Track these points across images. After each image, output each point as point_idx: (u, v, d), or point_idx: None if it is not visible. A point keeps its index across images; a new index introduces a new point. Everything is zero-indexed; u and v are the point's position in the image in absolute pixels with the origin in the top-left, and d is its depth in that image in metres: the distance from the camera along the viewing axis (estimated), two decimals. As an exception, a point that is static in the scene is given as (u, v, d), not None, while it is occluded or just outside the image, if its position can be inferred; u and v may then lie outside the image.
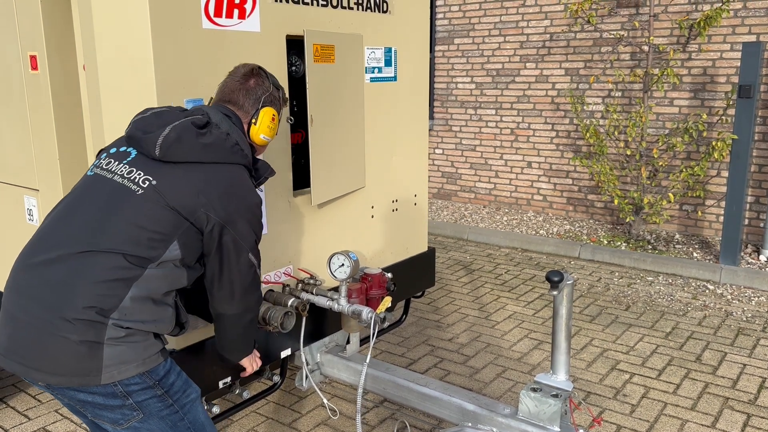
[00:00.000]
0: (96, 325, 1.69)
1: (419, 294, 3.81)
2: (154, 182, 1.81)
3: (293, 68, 2.85)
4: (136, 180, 1.82)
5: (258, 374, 3.21)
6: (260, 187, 2.25)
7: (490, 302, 4.97)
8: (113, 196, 1.80)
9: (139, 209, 1.78)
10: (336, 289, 2.82)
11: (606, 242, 6.29)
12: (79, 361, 1.69)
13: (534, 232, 6.74)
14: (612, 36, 6.68)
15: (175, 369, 1.89)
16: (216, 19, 2.35)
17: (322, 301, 2.74)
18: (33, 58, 2.50)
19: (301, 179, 2.92)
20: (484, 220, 7.24)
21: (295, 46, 2.77)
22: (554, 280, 2.41)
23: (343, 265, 2.70)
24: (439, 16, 7.90)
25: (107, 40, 2.20)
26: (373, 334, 2.61)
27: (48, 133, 2.53)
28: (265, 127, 2.09)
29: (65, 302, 1.69)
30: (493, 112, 7.67)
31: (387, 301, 2.66)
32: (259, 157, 2.22)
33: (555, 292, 2.47)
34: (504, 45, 7.46)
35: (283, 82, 2.70)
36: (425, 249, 3.72)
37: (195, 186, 1.83)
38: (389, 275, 3.01)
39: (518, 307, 4.85)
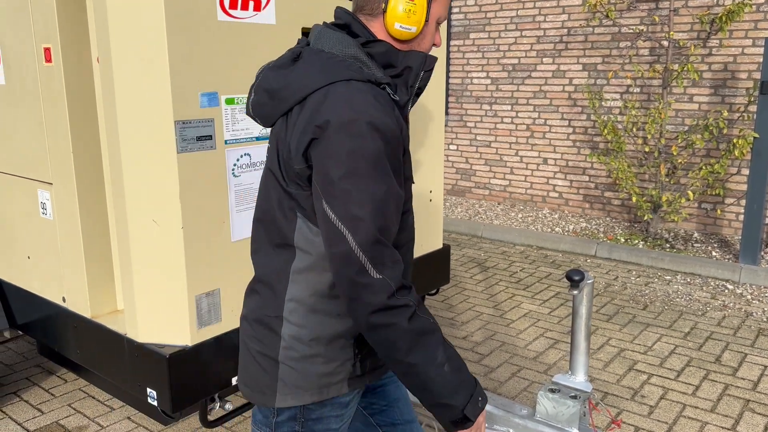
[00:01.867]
0: (270, 336, 1.53)
1: (434, 291, 3.77)
2: (267, 151, 1.58)
3: (309, 62, 2.81)
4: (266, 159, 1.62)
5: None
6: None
7: (504, 300, 4.92)
8: (264, 185, 1.60)
9: (269, 187, 1.53)
10: (351, 286, 2.78)
11: (623, 240, 6.21)
12: (260, 376, 1.55)
13: (549, 230, 6.67)
14: (631, 31, 6.58)
15: (332, 421, 1.57)
16: (231, 11, 2.32)
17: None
18: (47, 50, 2.48)
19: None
20: (499, 217, 7.18)
21: (310, 39, 2.74)
22: (575, 279, 2.36)
23: (358, 261, 2.66)
24: (455, 10, 7.83)
25: (122, 32, 2.17)
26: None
27: (62, 126, 2.51)
28: (397, 13, 1.45)
29: (251, 307, 1.58)
30: (509, 107, 7.60)
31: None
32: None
33: (575, 291, 2.42)
34: (520, 40, 7.38)
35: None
36: (440, 246, 3.67)
37: (292, 133, 1.44)
38: (404, 272, 2.96)
39: (533, 306, 4.80)
